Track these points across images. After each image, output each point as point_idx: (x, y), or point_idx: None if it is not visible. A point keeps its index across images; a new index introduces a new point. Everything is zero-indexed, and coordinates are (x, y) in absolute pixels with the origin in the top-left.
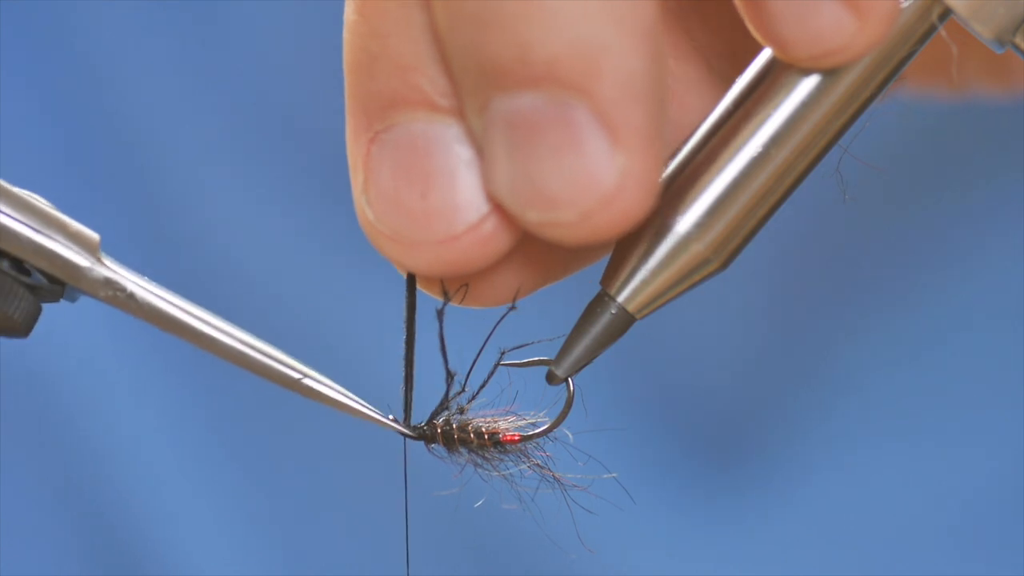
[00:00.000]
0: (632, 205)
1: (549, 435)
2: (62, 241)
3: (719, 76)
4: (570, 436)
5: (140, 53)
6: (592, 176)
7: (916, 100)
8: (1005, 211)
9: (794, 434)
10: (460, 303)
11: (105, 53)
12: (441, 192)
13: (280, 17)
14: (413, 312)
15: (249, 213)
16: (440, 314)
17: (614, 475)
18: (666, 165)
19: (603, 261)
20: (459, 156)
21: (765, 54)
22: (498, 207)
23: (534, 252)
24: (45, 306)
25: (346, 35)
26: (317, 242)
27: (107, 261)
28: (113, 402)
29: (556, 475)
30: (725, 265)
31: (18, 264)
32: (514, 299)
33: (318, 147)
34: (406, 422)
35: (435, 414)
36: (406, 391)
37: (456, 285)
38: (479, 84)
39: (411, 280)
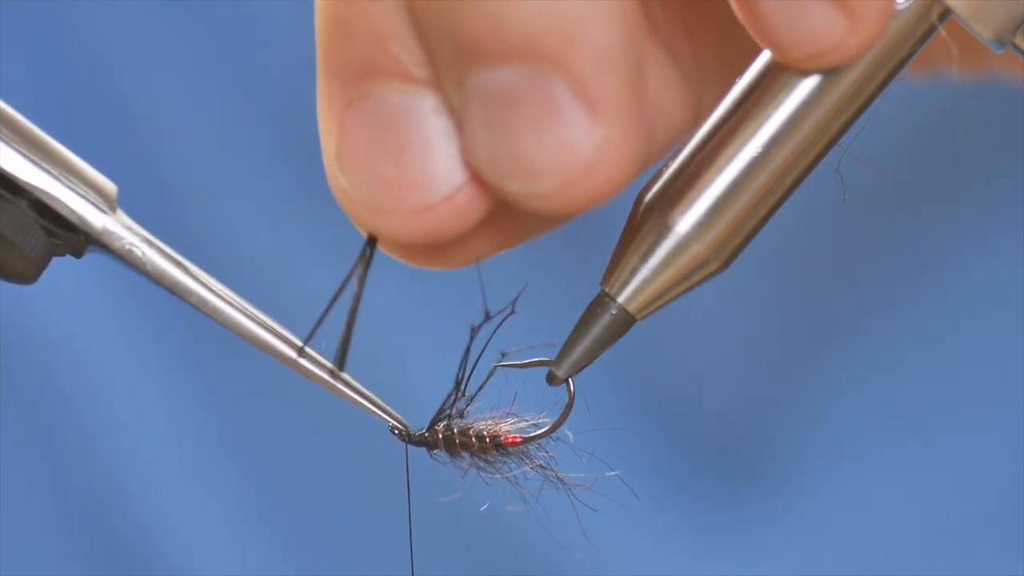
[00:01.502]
0: (612, 174)
1: (551, 436)
2: (79, 188)
3: (687, 76)
4: (571, 436)
5: (140, 51)
6: (572, 147)
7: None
8: (1006, 211)
9: (796, 434)
10: (422, 265)
11: (105, 51)
12: (417, 163)
13: (280, 15)
14: (366, 270)
15: (249, 213)
16: (473, 332)
17: (616, 472)
18: (666, 166)
19: (604, 263)
20: (435, 127)
21: (765, 54)
22: (473, 177)
23: (500, 217)
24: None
25: (319, 2)
26: (317, 242)
27: (121, 214)
28: (113, 401)
29: (559, 475)
30: (726, 265)
31: (35, 206)
32: (513, 304)
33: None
34: (338, 366)
35: (435, 420)
36: (343, 341)
37: (419, 251)
38: (455, 58)
39: (372, 241)
